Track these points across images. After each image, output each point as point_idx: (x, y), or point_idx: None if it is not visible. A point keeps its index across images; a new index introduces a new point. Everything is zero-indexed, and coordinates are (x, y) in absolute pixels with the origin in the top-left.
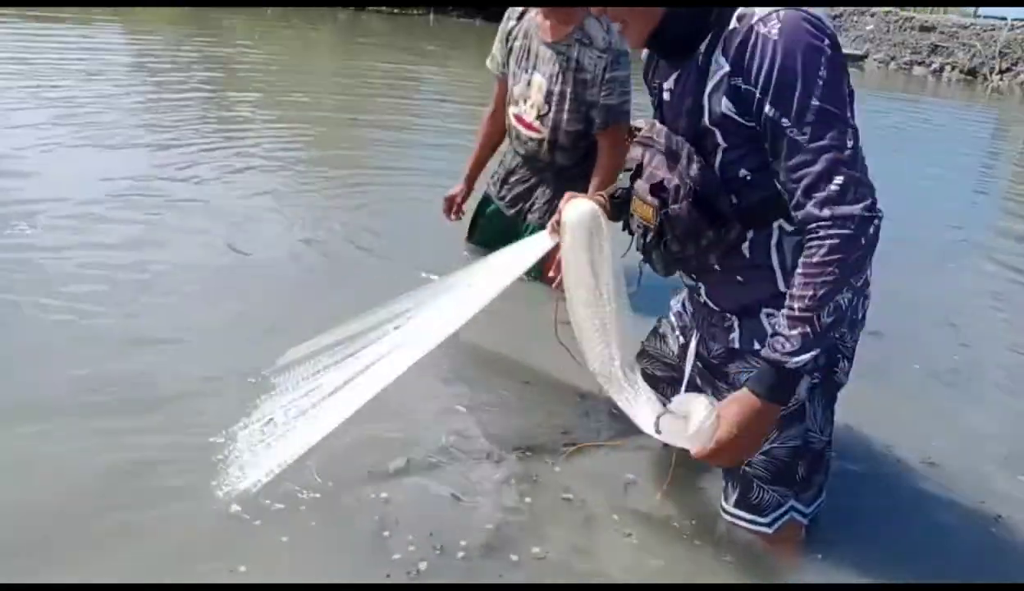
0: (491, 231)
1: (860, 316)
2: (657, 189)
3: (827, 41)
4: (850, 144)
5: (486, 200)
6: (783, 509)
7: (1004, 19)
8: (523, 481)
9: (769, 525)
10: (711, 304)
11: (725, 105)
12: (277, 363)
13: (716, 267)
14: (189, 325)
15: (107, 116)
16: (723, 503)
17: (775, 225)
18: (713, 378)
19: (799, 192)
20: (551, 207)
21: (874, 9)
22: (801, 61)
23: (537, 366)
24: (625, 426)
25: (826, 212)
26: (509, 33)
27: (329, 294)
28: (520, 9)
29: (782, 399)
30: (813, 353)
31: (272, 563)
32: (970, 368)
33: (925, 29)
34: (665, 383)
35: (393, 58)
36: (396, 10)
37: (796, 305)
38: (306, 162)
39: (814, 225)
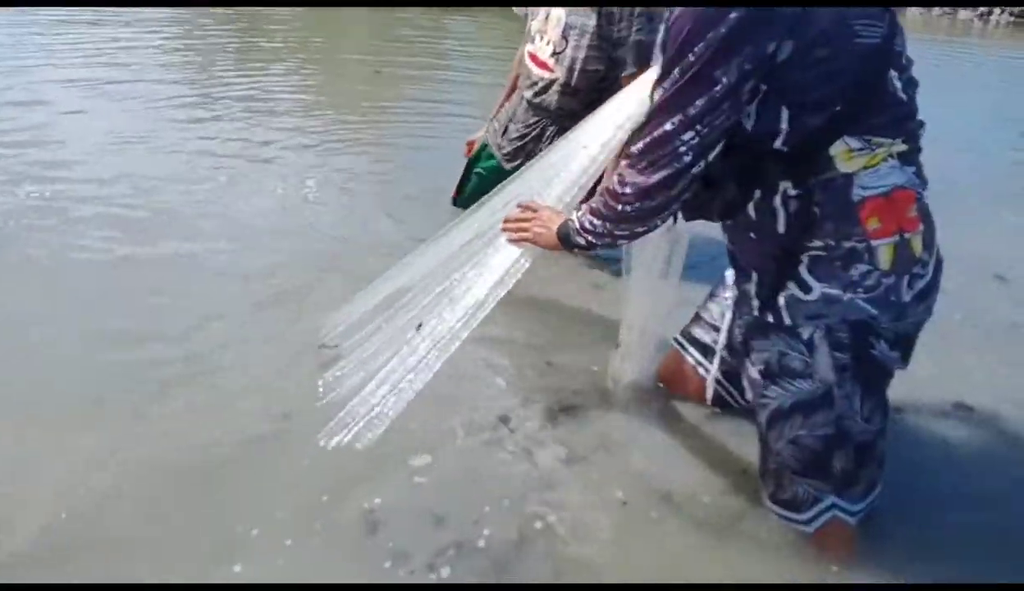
0: (482, 190)
1: (898, 299)
2: None
3: (738, 10)
4: (670, 126)
5: (481, 152)
6: (822, 506)
7: None
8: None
9: (807, 523)
10: (736, 259)
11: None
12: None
13: (728, 222)
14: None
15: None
16: (762, 496)
17: (778, 186)
18: (741, 350)
19: (633, 138)
20: None
21: None
22: (683, 28)
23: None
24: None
25: (622, 166)
26: None
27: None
28: None
29: (561, 240)
30: (577, 231)
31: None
32: (1013, 325)
33: None
34: (714, 349)
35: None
36: None
37: (591, 203)
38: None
39: (625, 154)
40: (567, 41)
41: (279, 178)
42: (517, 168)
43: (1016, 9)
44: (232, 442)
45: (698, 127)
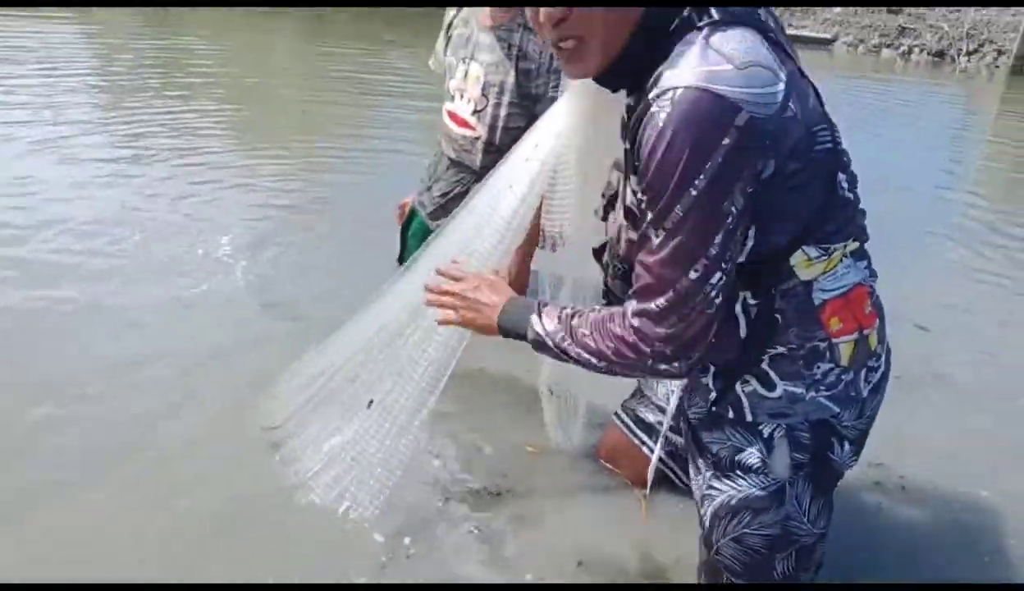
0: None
1: (857, 394)
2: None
3: (730, 133)
4: (694, 274)
5: (412, 214)
6: None
7: None
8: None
9: None
10: None
11: (635, 176)
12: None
13: None
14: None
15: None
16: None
17: (739, 296)
18: (690, 439)
19: (634, 281)
20: None
21: None
22: (679, 160)
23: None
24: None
25: (635, 321)
26: (450, 24)
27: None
28: None
29: (504, 332)
30: (543, 345)
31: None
32: (936, 377)
33: (892, 11)
34: (656, 428)
35: (353, 51)
36: None
37: (575, 325)
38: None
39: (624, 314)
40: (487, 99)
41: (197, 233)
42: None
43: (934, 48)
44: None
45: (723, 265)
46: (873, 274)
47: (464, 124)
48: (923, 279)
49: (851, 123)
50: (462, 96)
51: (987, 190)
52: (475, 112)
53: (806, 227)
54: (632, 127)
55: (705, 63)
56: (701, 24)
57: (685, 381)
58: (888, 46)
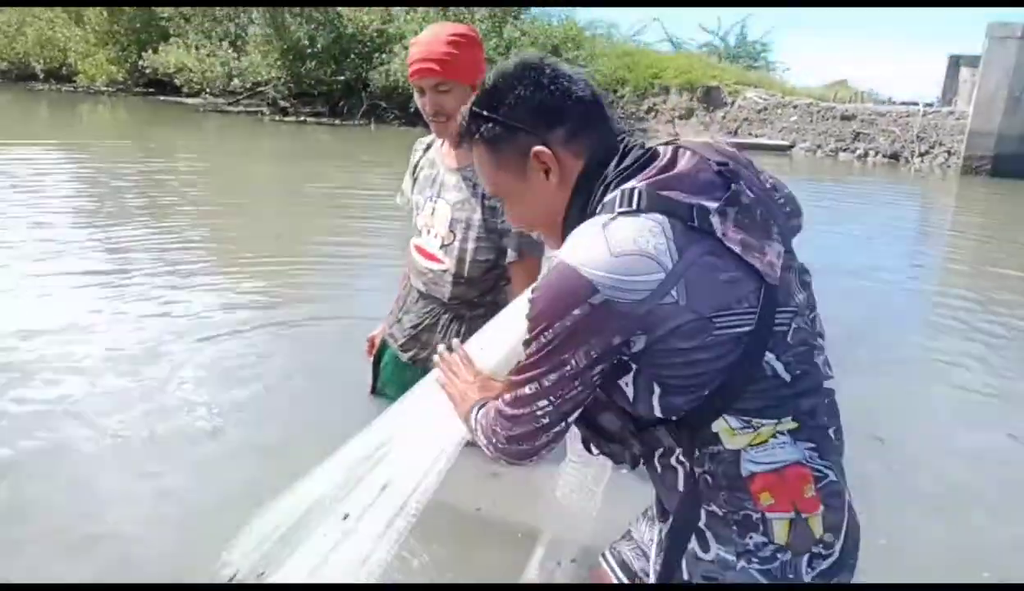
0: (392, 382)
1: (796, 576)
2: None
3: (583, 307)
4: (529, 390)
5: (384, 346)
6: None
7: (916, 104)
8: None
9: None
10: (658, 500)
11: None
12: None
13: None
14: None
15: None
16: None
17: (675, 451)
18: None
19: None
20: None
21: (796, 101)
22: (539, 314)
23: None
24: None
25: (495, 409)
26: (416, 165)
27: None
28: (428, 139)
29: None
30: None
31: None
32: (895, 489)
33: (846, 118)
34: (635, 576)
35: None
36: (337, 121)
37: (479, 420)
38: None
39: (496, 399)
40: (454, 234)
41: (165, 364)
42: (412, 357)
43: (888, 151)
44: None
45: (552, 398)
46: (826, 457)
47: (431, 257)
48: (881, 386)
49: (820, 221)
50: (429, 231)
51: (956, 280)
52: (443, 246)
53: (712, 401)
54: None
55: (586, 245)
56: (618, 211)
57: (657, 528)
58: (844, 150)
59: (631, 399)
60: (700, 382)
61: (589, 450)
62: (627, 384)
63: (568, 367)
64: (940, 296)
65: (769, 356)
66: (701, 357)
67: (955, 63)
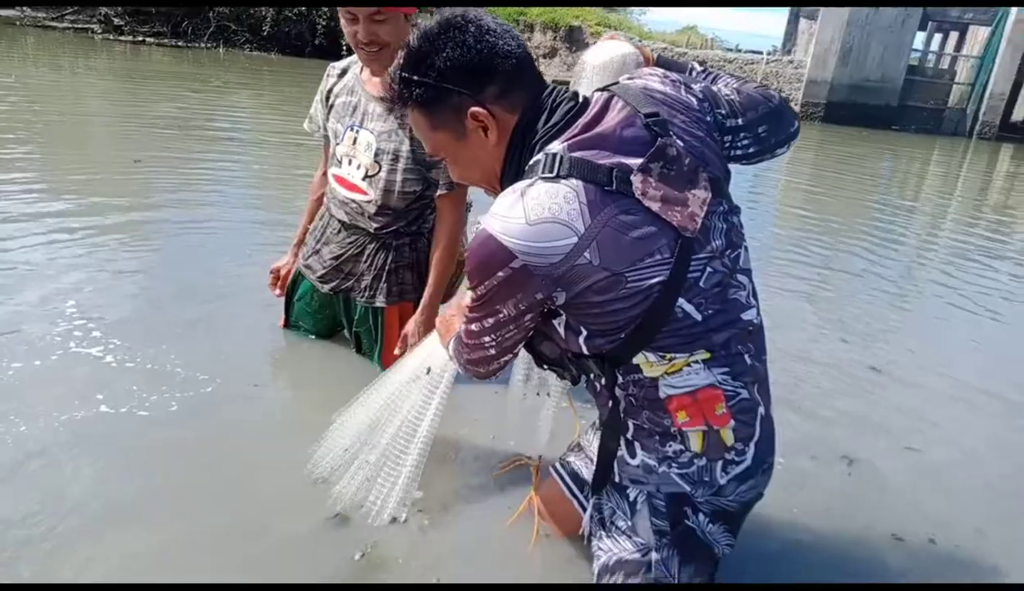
0: (308, 314)
1: (712, 479)
2: None
3: (505, 270)
4: (474, 327)
5: (297, 279)
6: None
7: (761, 53)
8: None
9: None
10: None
11: None
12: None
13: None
14: None
15: None
16: None
17: (600, 375)
18: (613, 488)
19: None
20: (381, 283)
21: (653, 45)
22: (470, 271)
23: None
24: None
25: (461, 329)
26: (330, 91)
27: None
28: (342, 65)
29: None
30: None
31: None
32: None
33: (699, 63)
34: (584, 483)
35: (182, 94)
36: (180, 43)
37: (453, 347)
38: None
39: (461, 324)
40: (380, 165)
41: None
42: (334, 288)
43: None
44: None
45: (493, 336)
46: (740, 378)
47: (354, 188)
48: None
49: None
50: (351, 162)
51: (784, 221)
52: (367, 177)
53: (629, 343)
54: None
55: (504, 213)
56: (538, 176)
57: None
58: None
59: (563, 337)
60: (617, 327)
61: (540, 366)
62: (559, 324)
63: (502, 315)
64: (778, 228)
65: (681, 300)
66: (617, 307)
67: (795, 15)
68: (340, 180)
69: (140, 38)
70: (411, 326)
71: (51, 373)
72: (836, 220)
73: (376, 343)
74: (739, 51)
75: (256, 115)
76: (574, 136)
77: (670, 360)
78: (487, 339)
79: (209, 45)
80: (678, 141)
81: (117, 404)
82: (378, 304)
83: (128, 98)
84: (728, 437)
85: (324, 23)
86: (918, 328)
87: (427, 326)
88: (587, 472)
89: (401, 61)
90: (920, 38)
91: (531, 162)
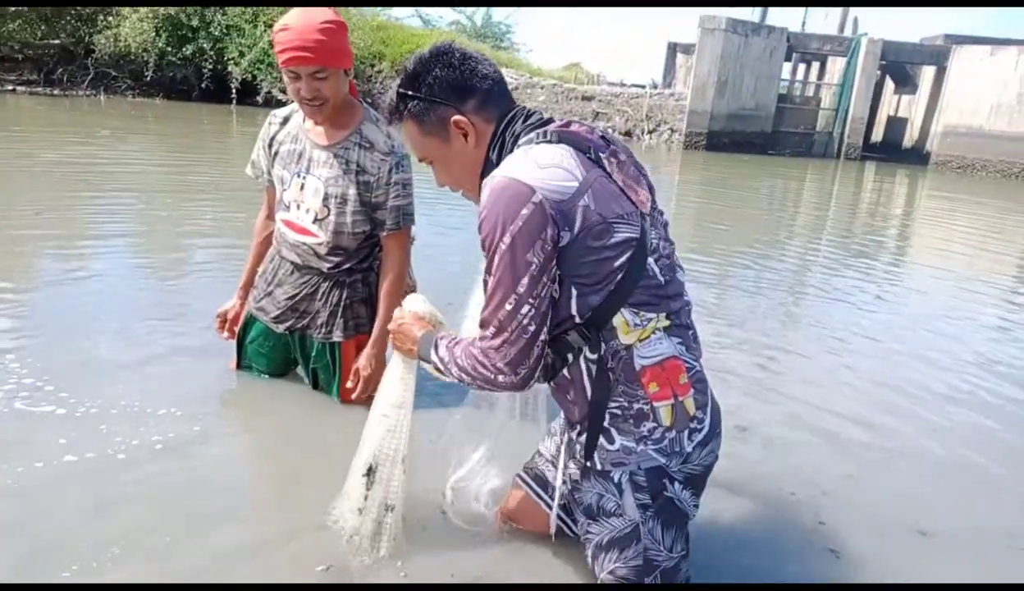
0: (261, 355)
1: (681, 449)
2: None
3: (528, 206)
4: (508, 307)
5: (249, 321)
6: None
7: (644, 86)
8: None
9: None
10: (565, 415)
11: None
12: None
13: (551, 384)
14: None
15: None
16: None
17: (581, 352)
18: (573, 494)
19: (481, 316)
20: (337, 319)
21: (543, 82)
22: (493, 228)
23: None
24: None
25: (481, 344)
26: (272, 138)
27: None
28: (283, 113)
29: (421, 359)
30: (439, 368)
31: None
32: None
33: (586, 98)
34: (547, 484)
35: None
36: (56, 91)
37: (455, 353)
38: None
39: (475, 342)
40: (328, 209)
41: None
42: (290, 328)
43: (623, 128)
44: None
45: (531, 300)
46: (694, 352)
47: (304, 231)
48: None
49: None
50: (299, 207)
51: (681, 229)
52: (316, 221)
53: (616, 292)
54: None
55: (518, 164)
56: (536, 142)
57: (565, 438)
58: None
59: (558, 303)
60: (606, 278)
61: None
62: (555, 291)
63: (533, 266)
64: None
65: (649, 260)
66: (607, 255)
67: (672, 49)
68: (289, 224)
69: (9, 87)
70: (363, 360)
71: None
72: (726, 235)
73: (334, 377)
74: (623, 85)
75: (152, 161)
76: (552, 129)
77: (644, 320)
78: (525, 309)
79: (88, 93)
80: (621, 153)
81: (86, 451)
82: (335, 339)
83: (13, 146)
84: (690, 406)
85: (210, 67)
86: (805, 327)
87: (378, 359)
88: (550, 474)
89: (399, 81)
90: (787, 68)
91: (520, 142)
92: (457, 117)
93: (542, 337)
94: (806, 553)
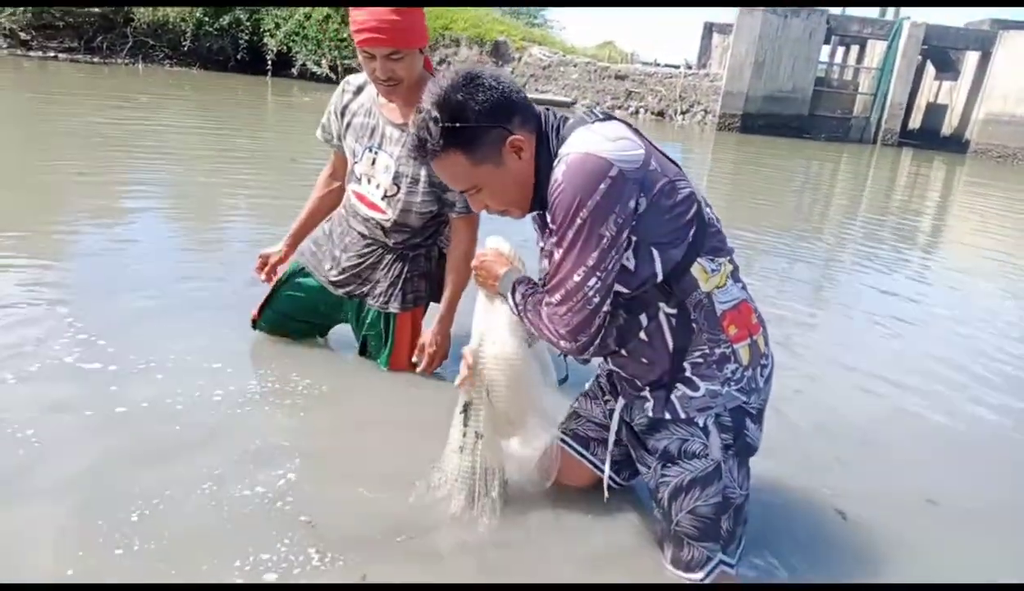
0: (296, 309)
1: (757, 385)
2: None
3: (605, 180)
4: (577, 278)
5: (293, 274)
6: (712, 564)
7: (678, 67)
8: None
9: (703, 579)
10: (629, 378)
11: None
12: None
13: (623, 353)
14: None
15: None
16: (663, 561)
17: (659, 308)
18: (636, 443)
19: (547, 283)
20: (396, 291)
21: (576, 60)
22: (570, 202)
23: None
24: None
25: (545, 310)
26: (345, 107)
27: None
28: (358, 81)
29: (501, 295)
30: (513, 310)
31: None
32: None
33: (620, 77)
34: (596, 442)
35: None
36: (96, 58)
37: (527, 303)
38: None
39: (541, 303)
40: (399, 187)
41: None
42: (349, 293)
43: (656, 108)
44: None
45: (599, 273)
46: (749, 295)
47: (374, 207)
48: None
49: None
50: (370, 181)
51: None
52: (385, 197)
53: (693, 244)
54: (549, 190)
55: (588, 140)
56: (587, 122)
57: (623, 402)
58: (619, 107)
59: (633, 270)
60: (683, 231)
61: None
62: (628, 259)
63: (605, 239)
64: None
65: (706, 209)
66: (679, 211)
67: (709, 29)
68: (360, 197)
69: (51, 53)
70: (429, 337)
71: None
72: (758, 219)
73: (385, 346)
74: (658, 65)
75: (188, 127)
76: (598, 111)
77: (717, 265)
78: (592, 282)
79: (127, 61)
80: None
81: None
82: (392, 310)
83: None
84: (761, 344)
85: (247, 38)
86: (832, 313)
87: (444, 336)
88: (593, 434)
89: (436, 116)
90: (826, 51)
91: (564, 132)
92: (513, 137)
93: (605, 308)
94: (814, 514)
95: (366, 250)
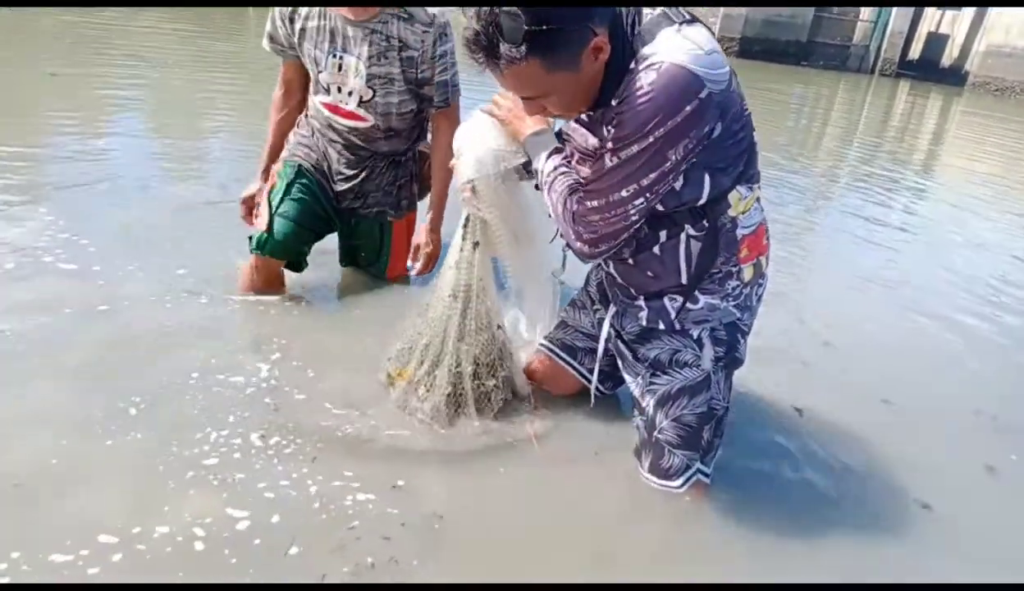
0: (307, 211)
1: (751, 303)
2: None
3: (693, 103)
4: (625, 193)
5: (297, 176)
6: (690, 472)
7: None
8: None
9: (680, 487)
10: (625, 287)
11: (608, 131)
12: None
13: (630, 261)
14: None
15: None
16: (639, 468)
17: (684, 229)
18: (625, 351)
19: (584, 182)
20: (391, 199)
21: None
22: (649, 117)
23: None
24: None
25: (575, 206)
26: (294, 11)
27: None
28: None
29: (524, 146)
30: (534, 173)
31: None
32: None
33: None
34: (583, 352)
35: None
36: None
37: (556, 179)
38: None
39: (573, 195)
40: (373, 90)
41: None
42: (347, 207)
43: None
44: None
45: (647, 195)
46: (765, 216)
47: (352, 116)
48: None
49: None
50: (340, 90)
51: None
52: (362, 104)
53: (742, 172)
54: (625, 86)
55: (681, 47)
56: (674, 22)
57: (614, 309)
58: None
59: (679, 189)
60: (739, 158)
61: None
62: (676, 183)
63: (668, 163)
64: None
65: (754, 135)
66: (741, 135)
67: None
68: (333, 108)
69: None
70: (423, 236)
71: None
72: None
73: (381, 254)
74: None
75: (164, 31)
76: (679, 10)
77: (751, 190)
78: (638, 201)
79: None
80: None
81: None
82: (389, 219)
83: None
84: (763, 263)
85: None
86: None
87: (436, 235)
88: (580, 344)
89: (519, 17)
90: None
91: (650, 20)
92: (596, 39)
93: (636, 226)
94: (774, 411)
95: (358, 164)
